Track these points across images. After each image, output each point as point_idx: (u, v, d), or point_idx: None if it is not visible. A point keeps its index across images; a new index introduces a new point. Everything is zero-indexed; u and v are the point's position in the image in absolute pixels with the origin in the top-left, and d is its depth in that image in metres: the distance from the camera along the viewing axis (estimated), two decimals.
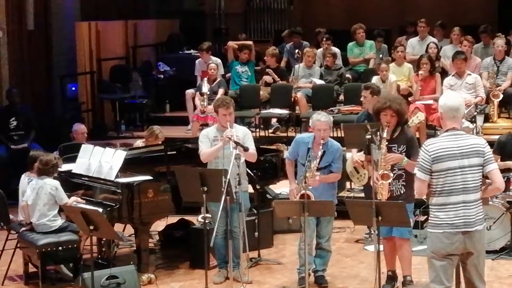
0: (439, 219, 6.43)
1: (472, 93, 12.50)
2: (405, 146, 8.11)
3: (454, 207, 6.40)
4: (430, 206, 6.54)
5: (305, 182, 8.22)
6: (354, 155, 10.41)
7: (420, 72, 12.80)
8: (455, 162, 6.38)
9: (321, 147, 8.46)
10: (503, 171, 9.89)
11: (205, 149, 8.87)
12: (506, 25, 15.29)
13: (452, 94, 6.84)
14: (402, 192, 8.15)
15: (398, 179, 8.11)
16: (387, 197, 7.97)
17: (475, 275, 6.54)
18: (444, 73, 13.35)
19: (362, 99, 10.38)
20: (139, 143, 11.03)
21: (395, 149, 8.09)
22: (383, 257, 8.28)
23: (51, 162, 9.02)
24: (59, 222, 8.98)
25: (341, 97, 13.83)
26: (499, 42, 13.34)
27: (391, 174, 7.97)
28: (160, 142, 10.53)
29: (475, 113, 12.33)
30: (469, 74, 12.62)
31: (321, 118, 8.56)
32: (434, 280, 6.52)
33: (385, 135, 7.97)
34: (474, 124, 12.34)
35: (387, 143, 7.98)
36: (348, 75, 14.51)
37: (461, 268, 6.59)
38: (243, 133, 8.92)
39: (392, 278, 8.58)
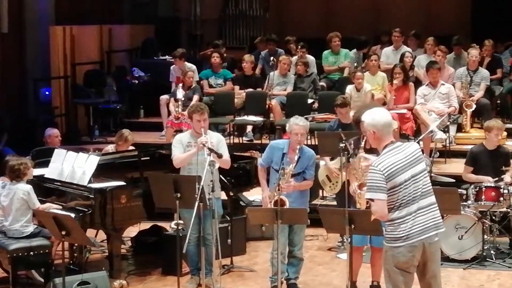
0: (400, 233, 6.33)
1: (446, 103, 12.57)
2: None
3: (412, 217, 6.32)
4: (387, 222, 6.40)
5: (279, 188, 8.21)
6: (328, 164, 10.43)
7: (394, 81, 12.86)
8: (407, 174, 6.33)
9: (297, 152, 8.45)
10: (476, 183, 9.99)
11: (178, 154, 8.85)
12: (479, 35, 15.41)
13: (381, 111, 6.61)
14: None
15: None
16: (366, 206, 7.95)
17: (435, 285, 6.51)
18: (417, 83, 13.43)
19: (339, 114, 10.40)
20: (109, 148, 10.98)
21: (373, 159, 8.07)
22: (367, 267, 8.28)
23: (14, 168, 8.90)
24: (31, 228, 8.89)
25: (316, 105, 13.87)
26: (473, 52, 13.42)
27: None
28: (130, 145, 10.50)
29: (448, 123, 12.40)
30: (443, 84, 12.69)
31: (299, 123, 8.55)
32: None
33: (363, 144, 7.95)
34: (447, 134, 12.43)
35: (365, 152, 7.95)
36: (322, 83, 14.56)
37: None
38: (217, 140, 8.90)
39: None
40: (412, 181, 6.34)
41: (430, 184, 6.47)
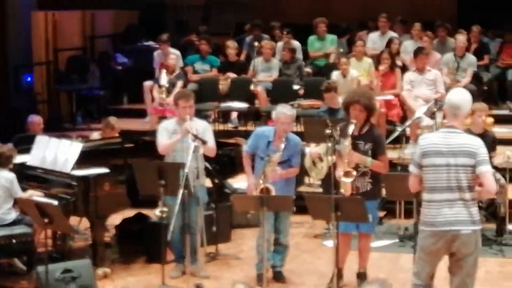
0: (425, 216, 6.44)
1: (432, 89, 12.53)
2: (371, 144, 8.02)
3: (436, 205, 6.37)
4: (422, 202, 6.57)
5: (265, 176, 8.14)
6: (312, 149, 10.37)
7: (380, 67, 12.81)
8: (442, 160, 6.35)
9: (283, 140, 8.36)
10: None
11: (163, 141, 8.76)
12: (465, 21, 15.39)
13: (458, 91, 6.67)
14: (368, 188, 8.09)
15: (364, 176, 8.03)
16: (351, 193, 7.88)
17: (458, 280, 6.48)
18: (404, 69, 13.38)
19: (325, 100, 10.23)
20: (95, 135, 10.90)
21: (361, 146, 8.01)
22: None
23: (4, 155, 8.85)
24: (13, 215, 8.83)
25: (301, 91, 13.79)
26: (461, 38, 13.40)
27: (354, 173, 7.89)
28: (116, 133, 10.42)
29: (435, 109, 12.32)
30: (429, 70, 12.65)
31: (286, 112, 8.45)
32: (415, 273, 6.58)
33: (350, 131, 7.88)
34: (434, 120, 12.36)
35: (352, 140, 7.88)
36: (308, 69, 14.48)
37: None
38: (203, 128, 8.81)
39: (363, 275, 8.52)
40: (446, 169, 6.36)
41: (469, 181, 6.37)
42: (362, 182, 8.05)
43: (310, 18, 15.41)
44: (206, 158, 8.97)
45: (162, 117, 12.80)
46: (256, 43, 14.59)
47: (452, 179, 6.35)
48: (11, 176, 8.81)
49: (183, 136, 8.52)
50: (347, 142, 7.86)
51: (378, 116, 11.73)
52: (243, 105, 13.67)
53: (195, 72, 14.38)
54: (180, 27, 18.28)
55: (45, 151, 9.21)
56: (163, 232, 8.25)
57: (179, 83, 13.40)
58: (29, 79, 15.06)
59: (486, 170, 6.33)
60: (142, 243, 9.64)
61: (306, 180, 11.41)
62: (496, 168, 9.96)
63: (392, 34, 14.40)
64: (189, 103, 8.73)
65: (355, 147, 7.94)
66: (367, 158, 7.94)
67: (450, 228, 6.35)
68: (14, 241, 8.69)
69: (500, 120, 12.93)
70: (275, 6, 18.53)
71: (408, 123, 11.51)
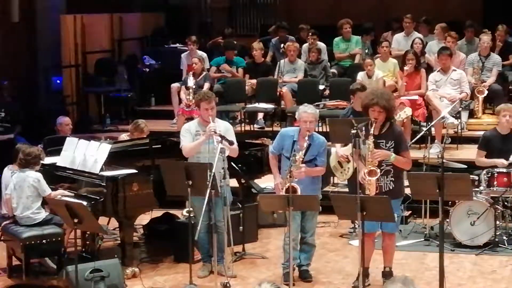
0: None
1: (457, 89, 12.54)
2: (393, 142, 8.10)
3: None
4: None
5: (290, 175, 8.21)
6: (338, 150, 10.43)
7: (405, 67, 12.82)
8: None
9: (306, 139, 8.45)
10: (488, 168, 9.96)
11: (187, 143, 8.85)
12: (490, 21, 15.33)
13: None
14: (391, 187, 8.14)
15: (386, 175, 8.10)
16: (375, 192, 7.95)
17: None
18: (429, 69, 13.39)
19: (355, 101, 10.18)
20: (123, 136, 11.00)
21: (383, 145, 8.08)
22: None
23: (33, 154, 8.98)
24: (43, 214, 8.95)
25: (327, 92, 13.85)
26: (485, 38, 13.38)
27: (378, 171, 7.96)
28: (145, 136, 10.52)
29: (460, 109, 12.36)
30: (454, 70, 12.65)
31: (307, 110, 8.55)
32: None
33: (372, 130, 7.96)
34: (459, 120, 12.38)
35: (374, 139, 7.98)
36: (333, 70, 14.53)
37: None
38: (224, 128, 8.89)
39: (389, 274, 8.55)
40: None
41: None
42: (384, 181, 8.12)
43: (334, 19, 15.45)
44: (232, 158, 9.04)
45: (189, 119, 12.88)
46: (282, 45, 14.67)
47: None
48: (38, 175, 8.93)
49: (207, 137, 8.59)
50: (369, 141, 7.94)
51: None
52: (269, 106, 13.75)
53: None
54: (204, 30, 18.39)
55: (74, 152, 9.33)
56: (190, 231, 8.33)
57: (206, 85, 13.49)
58: (58, 81, 15.25)
59: None
60: (170, 243, 9.72)
61: (332, 179, 11.46)
62: None
63: (416, 34, 14.40)
64: (211, 105, 8.80)
65: (376, 146, 8.01)
66: (391, 154, 8.02)
67: None
68: (44, 241, 8.82)
69: None
70: (299, 7, 18.56)
71: (433, 122, 11.53)
